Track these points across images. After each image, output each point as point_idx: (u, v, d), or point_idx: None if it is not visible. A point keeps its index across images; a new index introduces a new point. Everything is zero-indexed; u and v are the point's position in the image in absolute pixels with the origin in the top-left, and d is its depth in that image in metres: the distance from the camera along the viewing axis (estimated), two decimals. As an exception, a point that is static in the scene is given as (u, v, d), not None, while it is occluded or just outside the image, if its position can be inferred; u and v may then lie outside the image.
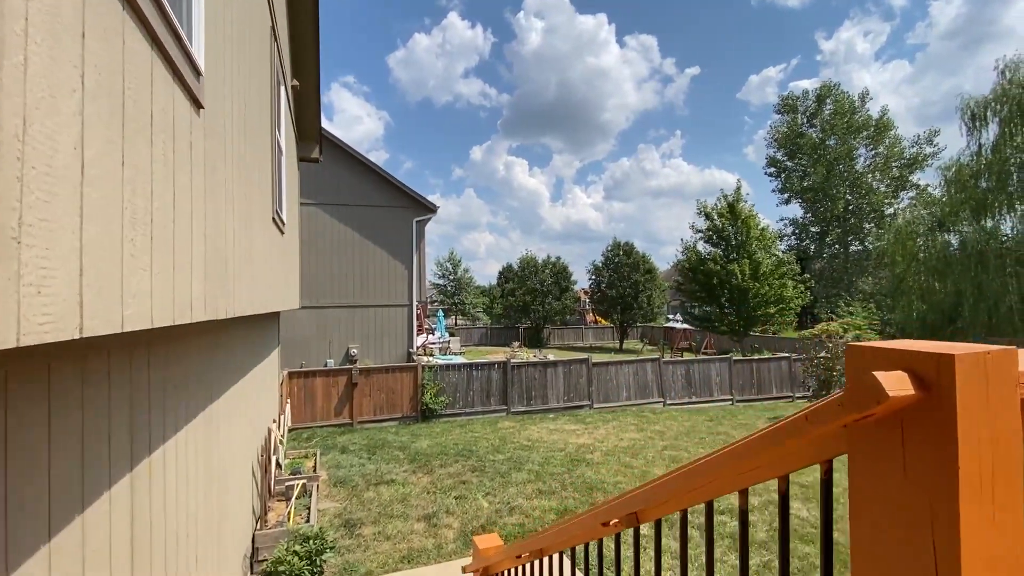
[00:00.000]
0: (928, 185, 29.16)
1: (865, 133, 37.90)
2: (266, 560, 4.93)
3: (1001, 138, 15.86)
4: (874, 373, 0.65)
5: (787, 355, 15.24)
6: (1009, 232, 15.87)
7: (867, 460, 0.73)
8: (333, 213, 15.17)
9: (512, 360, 13.04)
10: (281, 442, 6.89)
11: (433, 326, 23.87)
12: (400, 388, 11.52)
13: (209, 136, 2.14)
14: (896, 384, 0.65)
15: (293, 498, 5.82)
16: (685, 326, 27.34)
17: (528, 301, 30.38)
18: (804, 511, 6.58)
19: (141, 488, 2.12)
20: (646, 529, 4.93)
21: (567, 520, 1.69)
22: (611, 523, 1.42)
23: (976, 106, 16.64)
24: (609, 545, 4.36)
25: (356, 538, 5.79)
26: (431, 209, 16.50)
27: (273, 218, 4.64)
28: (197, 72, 1.88)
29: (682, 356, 20.80)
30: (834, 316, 27.06)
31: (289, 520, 5.47)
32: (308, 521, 5.56)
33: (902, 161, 36.93)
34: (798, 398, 14.48)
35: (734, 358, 14.58)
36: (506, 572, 2.48)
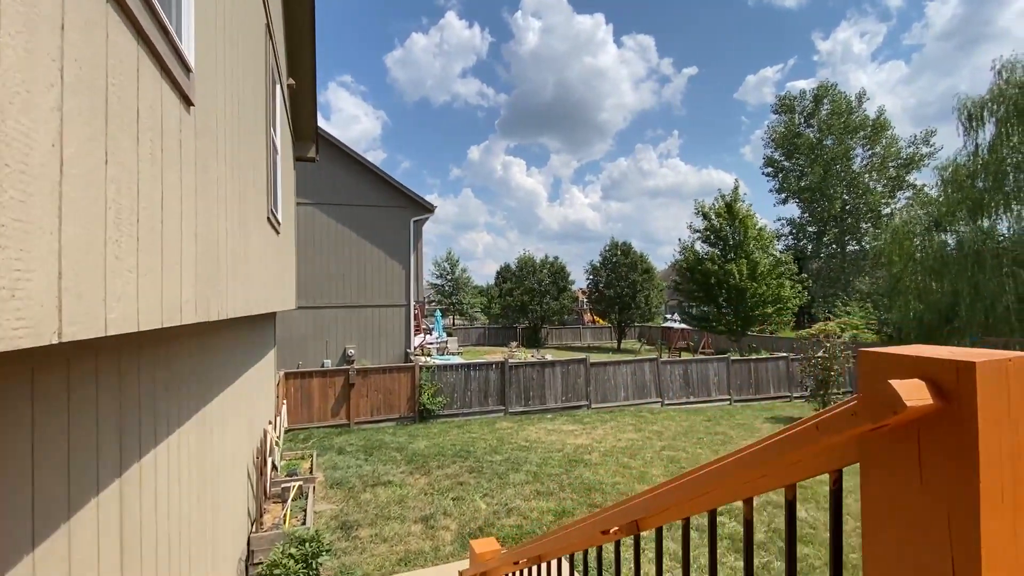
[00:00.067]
0: (925, 185, 29.24)
1: (862, 133, 37.98)
2: (261, 563, 4.88)
3: (998, 138, 15.88)
4: (890, 382, 0.62)
5: (784, 355, 15.24)
6: (1006, 232, 15.91)
7: (881, 471, 0.70)
8: (330, 213, 15.11)
9: (510, 360, 13.00)
10: (277, 443, 6.84)
11: (431, 326, 23.82)
12: (397, 388, 11.47)
13: (200, 134, 2.10)
14: (913, 393, 0.62)
15: (289, 500, 5.77)
16: (683, 326, 27.34)
17: (526, 301, 30.35)
18: (802, 511, 6.55)
19: (131, 493, 2.08)
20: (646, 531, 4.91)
21: (566, 527, 1.66)
22: (611, 531, 1.39)
23: (973, 106, 16.66)
24: (608, 548, 4.33)
25: (353, 540, 5.74)
26: (428, 209, 16.45)
27: (268, 218, 4.59)
28: (187, 68, 1.83)
29: (680, 356, 20.79)
30: (831, 316, 27.14)
31: (285, 522, 5.42)
32: (304, 523, 5.51)
33: (899, 161, 37.02)
34: (796, 398, 14.48)
35: (732, 358, 14.57)
36: (503, 577, 2.45)
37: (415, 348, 16.79)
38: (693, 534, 5.43)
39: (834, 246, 39.24)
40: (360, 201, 15.52)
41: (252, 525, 5.35)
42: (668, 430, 10.81)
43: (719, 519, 6.14)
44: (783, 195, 41.73)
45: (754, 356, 16.38)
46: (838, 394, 12.05)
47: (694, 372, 14.01)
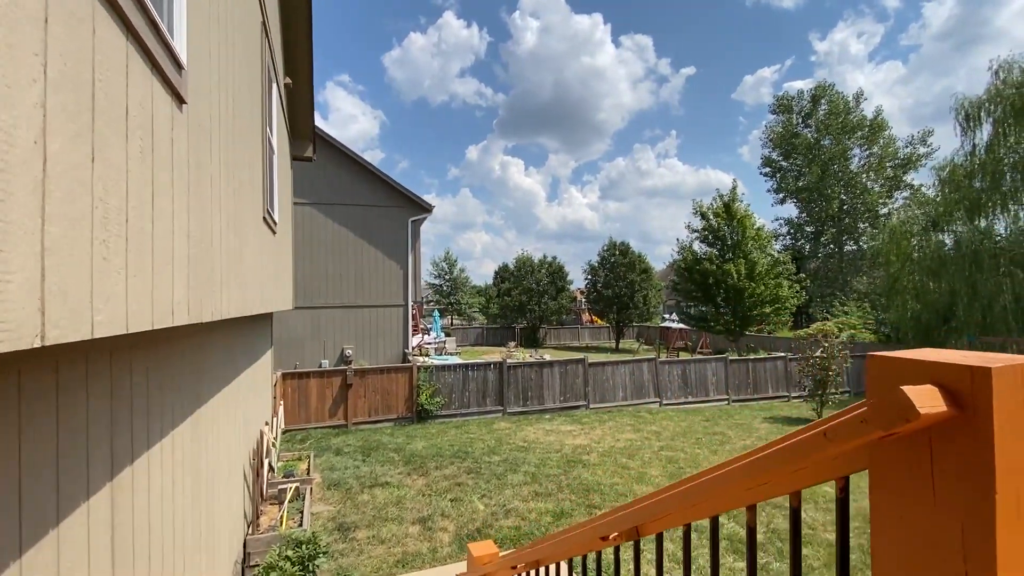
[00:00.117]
0: (922, 185, 29.25)
1: (860, 133, 38.02)
2: (258, 565, 4.85)
3: (995, 138, 15.91)
4: (902, 388, 0.59)
5: (783, 355, 15.24)
6: (1003, 232, 15.93)
7: (891, 480, 0.68)
8: (328, 213, 15.06)
9: (508, 360, 12.97)
10: (274, 445, 6.80)
11: (429, 326, 23.79)
12: (395, 389, 11.44)
13: (193, 132, 2.06)
14: (927, 400, 0.59)
15: (286, 502, 5.74)
16: (681, 326, 27.35)
17: (524, 301, 30.31)
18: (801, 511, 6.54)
19: (122, 496, 2.04)
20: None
21: (565, 531, 1.63)
22: (611, 537, 1.36)
23: (970, 106, 16.68)
24: (608, 551, 4.30)
25: (350, 542, 5.71)
26: (426, 209, 16.41)
27: (264, 217, 4.56)
28: (179, 66, 1.80)
29: (678, 356, 20.78)
30: (829, 316, 27.17)
31: (282, 524, 5.39)
32: (301, 525, 5.48)
33: (896, 161, 37.07)
34: (794, 398, 14.48)
35: (730, 358, 14.56)
36: (501, 580, 2.43)
37: (413, 348, 16.75)
38: (692, 535, 5.42)
39: (832, 246, 39.30)
40: (358, 201, 15.48)
41: (248, 527, 5.32)
42: (666, 430, 10.79)
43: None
44: (781, 195, 41.77)
45: (752, 356, 16.38)
46: (836, 394, 12.05)
47: (692, 372, 14.00)
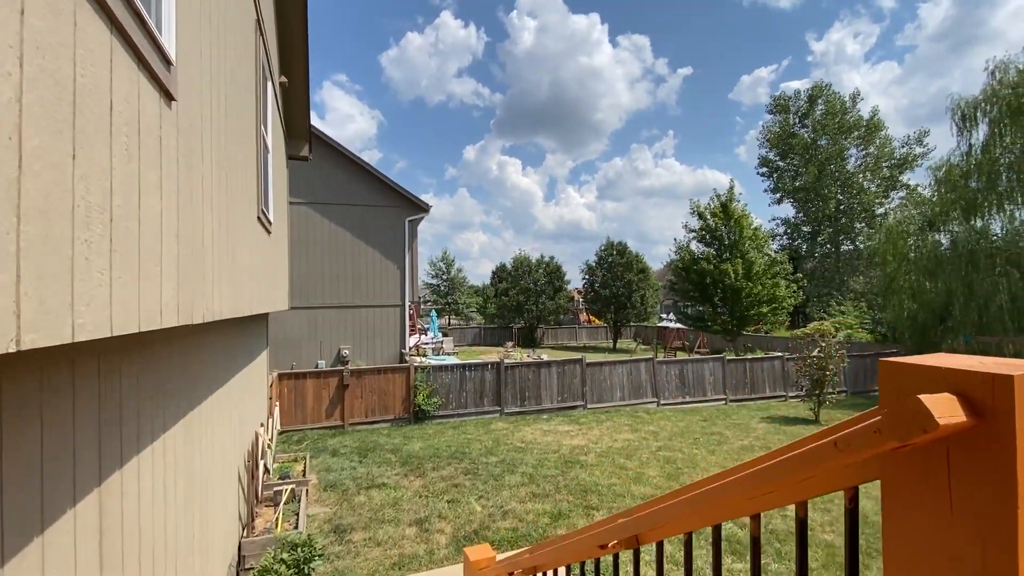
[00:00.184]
0: (918, 185, 29.31)
1: (856, 133, 38.11)
2: (253, 568, 4.80)
3: (991, 138, 15.94)
4: (920, 397, 0.56)
5: (780, 354, 15.25)
6: (999, 232, 15.96)
7: (905, 492, 0.64)
8: (324, 212, 15.00)
9: (506, 360, 12.94)
10: (269, 446, 6.75)
11: (426, 326, 23.74)
12: (392, 389, 11.39)
13: (183, 130, 2.02)
14: (945, 410, 0.56)
15: (281, 503, 5.69)
16: (678, 325, 27.37)
17: (522, 301, 30.28)
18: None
19: (111, 501, 2.00)
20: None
21: (564, 537, 1.60)
22: (609, 545, 1.33)
23: (966, 107, 16.72)
24: (607, 556, 4.27)
25: (346, 544, 5.67)
26: (424, 208, 16.36)
27: (259, 217, 4.51)
28: (167, 61, 1.76)
29: (675, 356, 20.78)
30: (826, 315, 27.21)
31: (277, 526, 5.34)
32: (296, 527, 5.43)
33: (892, 161, 37.17)
34: (791, 397, 14.48)
35: (727, 358, 14.56)
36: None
37: (410, 348, 16.69)
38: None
39: (828, 246, 39.39)
40: (354, 200, 15.41)
41: (243, 530, 5.27)
42: (664, 430, 10.78)
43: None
44: (778, 195, 41.83)
45: (749, 356, 16.38)
46: (833, 393, 12.06)
47: (690, 372, 13.99)
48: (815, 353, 11.99)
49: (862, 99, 39.02)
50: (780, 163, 41.43)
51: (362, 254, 15.43)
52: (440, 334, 25.07)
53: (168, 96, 1.80)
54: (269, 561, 4.49)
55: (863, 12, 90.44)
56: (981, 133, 16.41)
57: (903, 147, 37.06)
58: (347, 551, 5.52)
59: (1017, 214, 15.44)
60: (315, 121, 10.39)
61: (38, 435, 1.51)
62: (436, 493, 7.12)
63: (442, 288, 41.77)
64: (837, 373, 12.01)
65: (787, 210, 45.55)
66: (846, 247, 38.46)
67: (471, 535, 5.85)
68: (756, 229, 22.40)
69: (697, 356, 17.36)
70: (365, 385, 11.18)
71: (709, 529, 1.10)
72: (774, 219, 42.81)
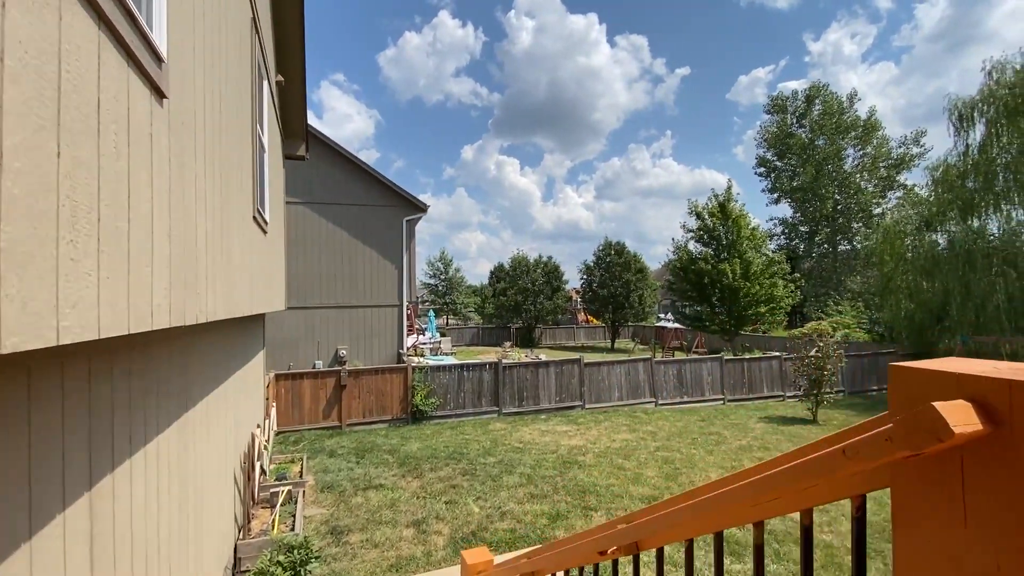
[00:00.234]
0: (915, 185, 29.40)
1: (853, 133, 38.16)
2: (249, 571, 4.77)
3: (988, 138, 15.98)
4: (935, 405, 0.54)
5: (777, 354, 15.25)
6: (996, 231, 16.00)
7: (916, 502, 0.62)
8: (321, 212, 14.94)
9: (504, 360, 12.91)
10: (266, 447, 6.72)
11: (424, 326, 23.70)
12: (390, 390, 11.35)
13: (176, 128, 1.99)
14: (961, 418, 0.54)
15: (278, 505, 5.65)
16: (676, 325, 27.37)
17: (520, 301, 30.25)
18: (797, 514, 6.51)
19: (102, 505, 1.97)
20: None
21: (561, 543, 1.58)
22: (609, 551, 1.30)
23: (963, 107, 16.75)
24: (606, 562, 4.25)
25: (343, 546, 5.63)
26: (421, 208, 16.32)
27: (254, 217, 4.48)
28: (158, 58, 1.73)
29: (673, 356, 20.79)
30: (823, 315, 27.25)
31: (273, 528, 5.31)
32: (293, 529, 5.39)
33: (889, 161, 37.23)
34: (789, 397, 14.49)
35: (725, 357, 14.56)
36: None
37: (408, 348, 16.66)
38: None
39: (826, 246, 39.45)
40: (352, 200, 15.36)
41: (239, 532, 5.23)
42: (662, 430, 10.76)
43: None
44: (775, 195, 41.87)
45: (747, 356, 16.39)
46: (831, 393, 12.07)
47: (688, 372, 13.99)
48: (813, 353, 11.99)
49: (859, 99, 39.10)
50: (778, 163, 41.48)
51: (359, 254, 15.38)
52: (438, 334, 25.03)
53: (159, 94, 1.77)
54: (265, 563, 4.46)
55: (860, 13, 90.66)
56: (978, 133, 16.46)
57: (900, 147, 37.15)
58: (344, 553, 5.49)
59: (1014, 214, 15.48)
60: (313, 120, 10.34)
61: (26, 439, 1.48)
62: (434, 494, 7.09)
63: (440, 288, 41.71)
64: (835, 373, 12.01)
65: (785, 210, 45.65)
66: (843, 247, 38.53)
67: (469, 536, 5.83)
68: (754, 229, 22.41)
69: (695, 356, 17.37)
70: (363, 385, 11.14)
71: (712, 539, 1.07)
72: (772, 219, 42.91)
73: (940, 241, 17.48)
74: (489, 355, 21.78)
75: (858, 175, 38.03)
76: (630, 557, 1.34)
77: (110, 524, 2.05)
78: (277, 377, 10.47)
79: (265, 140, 5.39)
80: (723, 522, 0.97)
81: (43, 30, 1.02)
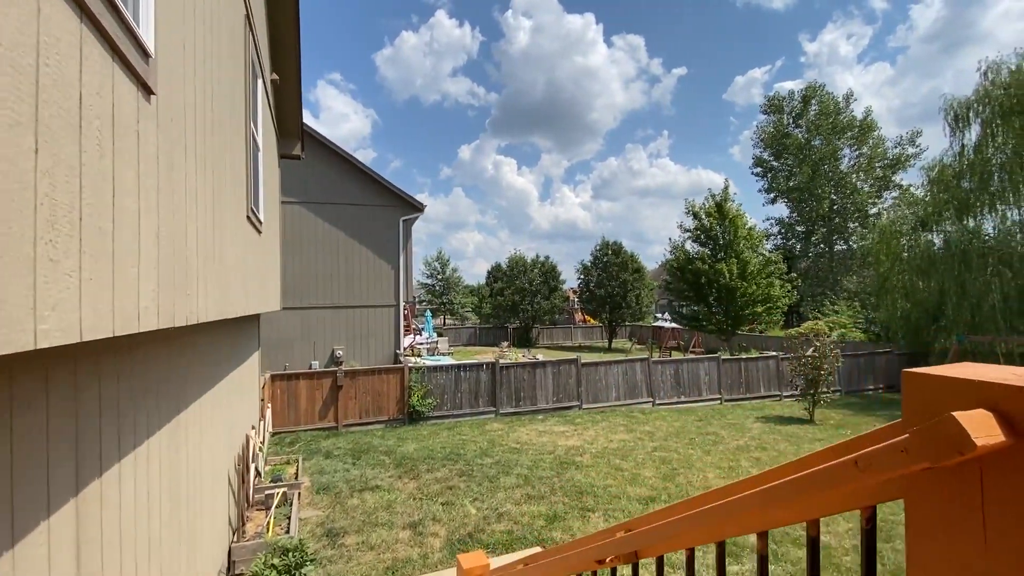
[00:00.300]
0: (911, 185, 29.44)
1: (849, 134, 38.28)
2: (243, 574, 4.72)
3: (983, 139, 16.03)
4: (955, 415, 0.51)
5: (774, 354, 15.26)
6: (991, 231, 16.05)
7: (932, 516, 0.59)
8: (317, 212, 14.87)
9: (501, 360, 12.88)
10: (261, 449, 6.66)
11: (420, 326, 23.63)
12: (386, 390, 11.30)
13: (164, 126, 1.95)
14: (982, 429, 0.51)
15: (273, 507, 5.60)
16: (673, 325, 27.38)
17: (517, 301, 30.21)
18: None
19: (89, 511, 1.93)
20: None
21: (560, 550, 1.54)
22: (607, 560, 1.27)
23: (959, 107, 16.80)
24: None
25: (338, 548, 5.59)
26: (418, 208, 16.27)
27: (248, 216, 4.43)
28: (145, 53, 1.69)
29: (670, 355, 20.79)
30: (820, 315, 27.33)
31: (268, 531, 5.26)
32: (288, 531, 5.35)
33: (885, 161, 37.37)
34: (786, 397, 14.50)
35: (722, 357, 14.56)
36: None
37: (405, 349, 16.60)
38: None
39: (822, 245, 39.56)
40: (348, 200, 15.30)
41: (233, 534, 5.18)
42: (659, 430, 10.75)
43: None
44: (772, 195, 41.98)
45: (744, 355, 16.40)
46: (827, 393, 12.08)
47: (685, 372, 13.98)
48: (809, 353, 12.00)
49: (855, 100, 39.24)
50: (774, 163, 41.58)
51: (356, 254, 15.32)
52: (435, 334, 24.97)
53: (147, 90, 1.73)
54: (260, 567, 4.41)
55: (856, 13, 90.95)
56: (974, 133, 16.51)
57: (896, 147, 37.29)
58: (339, 555, 5.44)
59: (1009, 214, 15.53)
60: (309, 120, 10.28)
61: (7, 445, 1.43)
62: (430, 495, 7.05)
63: (437, 288, 41.66)
64: (832, 372, 12.02)
65: (781, 210, 45.70)
66: (840, 247, 38.65)
67: (466, 538, 5.79)
68: (751, 229, 22.43)
69: (692, 356, 17.37)
70: (359, 386, 11.09)
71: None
72: (768, 219, 42.96)
73: (936, 241, 17.53)
74: (486, 355, 21.74)
75: (854, 175, 38.15)
76: (629, 565, 1.32)
77: (98, 530, 2.01)
78: (273, 378, 10.40)
79: (259, 139, 5.34)
80: (726, 532, 0.94)
81: (19, 21, 0.98)
